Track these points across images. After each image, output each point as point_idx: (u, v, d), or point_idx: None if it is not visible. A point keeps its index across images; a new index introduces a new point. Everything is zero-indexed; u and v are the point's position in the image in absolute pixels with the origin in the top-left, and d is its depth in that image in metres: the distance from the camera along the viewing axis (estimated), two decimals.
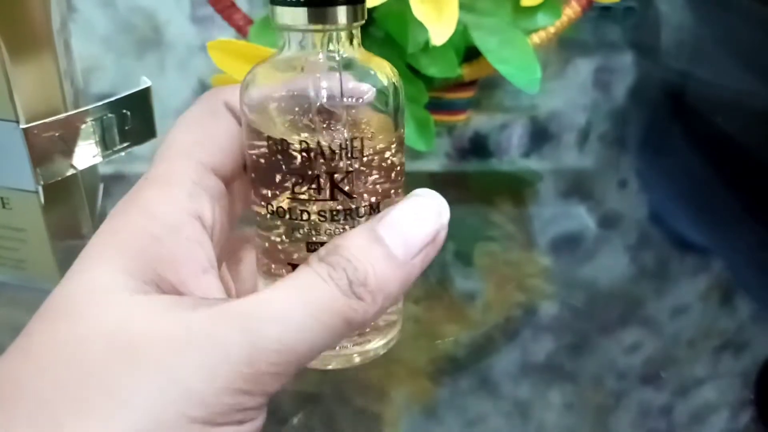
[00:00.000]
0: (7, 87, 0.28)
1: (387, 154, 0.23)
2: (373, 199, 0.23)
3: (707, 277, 0.38)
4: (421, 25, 0.29)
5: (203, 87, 0.49)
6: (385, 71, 0.23)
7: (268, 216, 0.23)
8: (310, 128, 0.22)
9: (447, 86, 0.36)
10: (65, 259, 0.34)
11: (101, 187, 0.41)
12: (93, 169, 0.38)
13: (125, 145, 0.31)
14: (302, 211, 0.22)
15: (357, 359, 0.26)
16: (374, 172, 0.23)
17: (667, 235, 0.41)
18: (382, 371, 0.31)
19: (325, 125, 0.22)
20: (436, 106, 0.34)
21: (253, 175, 0.23)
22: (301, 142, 0.22)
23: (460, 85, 0.36)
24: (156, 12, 0.53)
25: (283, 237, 0.23)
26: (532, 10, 0.33)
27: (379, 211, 0.23)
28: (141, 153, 0.46)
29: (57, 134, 0.28)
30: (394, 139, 0.23)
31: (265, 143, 0.22)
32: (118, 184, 0.41)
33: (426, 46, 0.32)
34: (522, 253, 0.40)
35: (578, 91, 0.53)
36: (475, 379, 0.31)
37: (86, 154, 0.30)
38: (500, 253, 0.40)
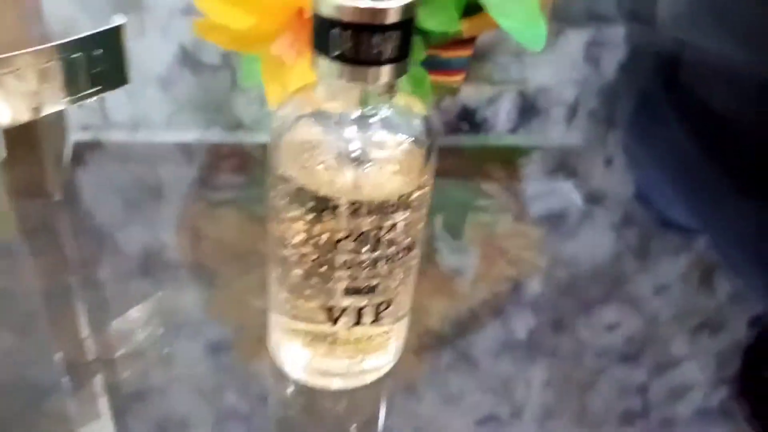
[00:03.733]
0: None
1: (419, 193, 0.23)
2: (408, 240, 0.24)
3: (689, 256, 0.38)
4: None
5: (185, 52, 0.47)
6: (419, 112, 0.23)
7: (306, 264, 0.24)
8: (352, 184, 0.23)
9: (444, 43, 0.35)
10: (28, 219, 0.32)
11: (71, 143, 0.39)
12: (60, 119, 0.36)
13: (95, 89, 0.28)
14: (345, 261, 0.23)
15: (368, 377, 0.27)
16: (411, 215, 0.23)
17: (652, 213, 0.41)
18: None
19: (365, 179, 0.23)
20: (432, 65, 0.33)
21: (289, 222, 0.23)
22: (343, 199, 0.22)
23: (457, 42, 0.35)
24: None
25: (323, 283, 0.24)
26: None
27: (412, 251, 0.24)
28: (120, 120, 0.44)
29: (18, 72, 0.26)
30: (427, 176, 0.24)
31: (312, 202, 0.22)
32: (93, 152, 0.40)
33: None
34: (508, 227, 0.39)
35: (569, 65, 0.52)
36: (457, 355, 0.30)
37: (51, 96, 0.27)
38: (486, 227, 0.39)
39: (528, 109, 0.49)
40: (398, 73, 0.21)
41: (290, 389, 0.28)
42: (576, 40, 0.53)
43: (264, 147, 0.42)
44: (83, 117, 0.41)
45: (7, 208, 0.30)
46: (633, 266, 0.37)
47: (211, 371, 0.28)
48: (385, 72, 0.21)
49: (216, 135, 0.43)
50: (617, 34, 0.55)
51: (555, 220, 0.39)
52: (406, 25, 0.20)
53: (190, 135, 0.43)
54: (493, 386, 0.29)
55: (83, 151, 0.39)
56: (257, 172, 0.41)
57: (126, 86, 0.30)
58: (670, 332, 0.33)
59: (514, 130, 0.47)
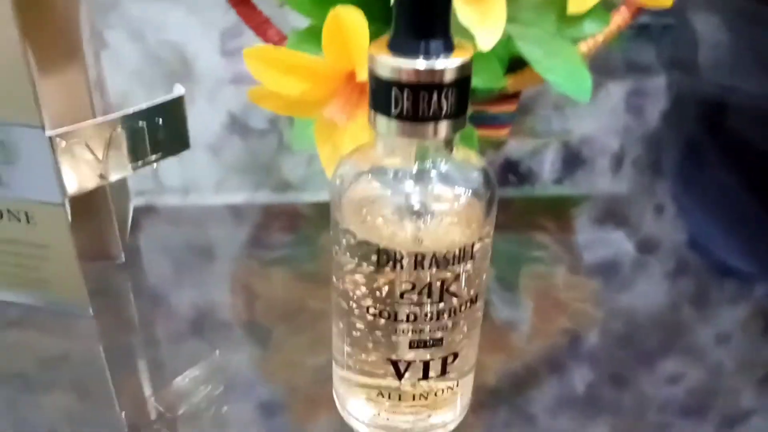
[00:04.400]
0: (33, 91, 0.26)
1: (481, 245, 0.24)
2: (471, 292, 0.24)
3: (749, 303, 0.37)
4: (466, 32, 0.28)
5: (233, 119, 0.49)
6: (477, 165, 0.24)
7: (369, 317, 0.24)
8: (413, 237, 0.23)
9: (490, 99, 0.35)
10: (94, 283, 0.33)
11: (131, 208, 0.40)
12: (123, 185, 0.38)
13: (157, 155, 0.30)
14: (409, 314, 0.23)
15: None
16: (474, 267, 0.24)
17: (707, 260, 0.40)
18: None
19: (425, 232, 0.23)
20: (478, 120, 0.34)
21: (353, 276, 0.24)
22: (405, 251, 0.22)
23: (502, 98, 0.35)
24: (185, 45, 0.54)
25: (387, 336, 0.24)
26: (578, 18, 0.32)
27: (476, 303, 0.24)
28: (172, 184, 0.46)
29: (85, 142, 0.27)
30: (488, 228, 0.24)
31: (374, 255, 0.23)
32: (148, 216, 0.41)
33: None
34: (562, 279, 0.38)
35: (610, 116, 0.52)
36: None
37: (116, 165, 0.29)
38: (539, 279, 0.39)
39: (572, 160, 0.49)
40: (456, 128, 0.21)
41: None
42: (616, 91, 0.53)
43: (311, 206, 0.44)
44: (138, 183, 0.42)
45: (77, 272, 0.30)
46: (691, 315, 0.35)
47: None
48: (443, 128, 0.21)
49: (264, 196, 0.44)
50: (658, 83, 0.55)
51: (608, 271, 0.39)
52: (463, 83, 0.21)
53: (239, 197, 0.44)
54: None
55: (139, 216, 0.40)
56: (306, 231, 0.42)
57: (173, 157, 0.31)
58: (735, 384, 0.31)
59: (559, 181, 0.47)
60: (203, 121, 0.49)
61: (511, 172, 0.47)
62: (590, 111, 0.51)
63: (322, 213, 0.45)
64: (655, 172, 0.49)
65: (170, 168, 0.45)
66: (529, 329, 0.35)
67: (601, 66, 0.53)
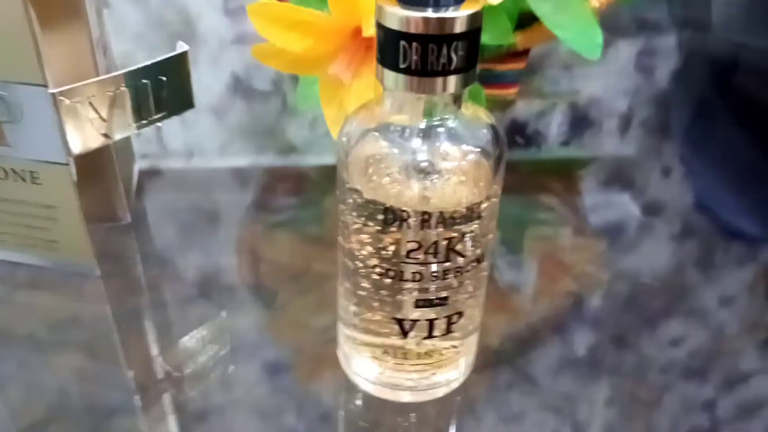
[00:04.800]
0: (35, 49, 0.26)
1: (488, 204, 0.23)
2: (477, 252, 0.24)
3: (755, 266, 0.37)
4: None
5: (237, 81, 0.48)
6: (486, 121, 0.23)
7: (375, 276, 0.24)
8: (420, 195, 0.23)
9: (498, 57, 0.35)
10: (100, 244, 0.33)
11: (136, 169, 0.40)
12: (128, 147, 0.37)
13: (161, 114, 0.29)
14: (414, 273, 0.23)
15: (438, 391, 0.27)
16: (480, 226, 0.23)
17: (713, 223, 0.40)
18: None
19: (432, 191, 0.23)
20: (486, 79, 0.33)
21: (359, 235, 0.24)
22: (412, 210, 0.22)
23: (511, 55, 0.35)
24: (187, 5, 0.53)
25: (392, 295, 0.24)
26: None
27: (482, 262, 0.24)
28: (176, 148, 0.46)
29: (88, 100, 0.27)
30: (496, 186, 0.23)
31: (381, 215, 0.22)
32: (152, 179, 0.41)
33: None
34: (567, 241, 0.38)
35: (620, 76, 0.51)
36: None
37: (120, 123, 0.28)
38: (545, 241, 0.39)
39: (580, 121, 0.48)
40: (465, 83, 0.21)
41: (348, 412, 0.28)
42: (626, 49, 0.53)
43: (316, 169, 0.43)
44: (141, 146, 0.42)
45: (83, 232, 0.30)
46: (696, 278, 0.35)
47: (270, 392, 0.28)
48: (452, 82, 0.21)
49: (268, 159, 0.44)
50: (669, 42, 0.54)
51: (614, 233, 0.39)
52: (474, 35, 0.20)
53: (243, 160, 0.43)
54: (555, 405, 0.28)
55: (143, 179, 0.40)
56: (311, 194, 0.42)
57: (180, 115, 0.30)
58: (737, 346, 0.31)
59: (566, 143, 0.47)
60: (206, 83, 0.49)
61: (517, 133, 0.47)
62: (599, 71, 0.51)
63: (327, 176, 0.45)
64: (664, 133, 0.49)
65: (174, 131, 0.45)
66: (533, 291, 0.35)
67: (611, 24, 0.52)
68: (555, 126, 0.47)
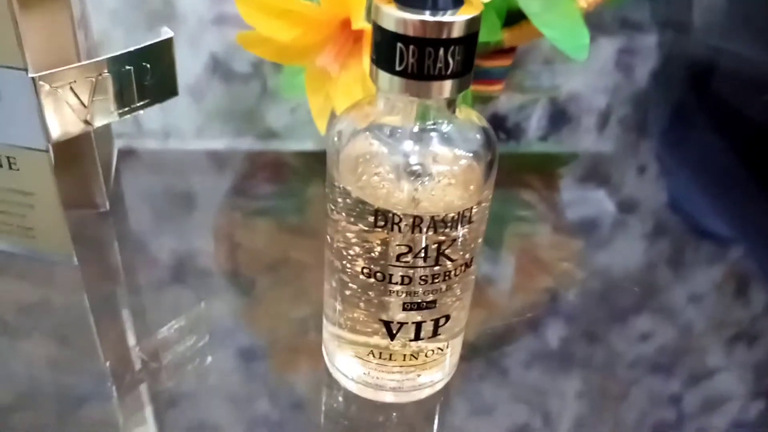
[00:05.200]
0: (15, 32, 0.25)
1: (479, 208, 0.23)
2: (467, 256, 0.24)
3: (724, 265, 0.38)
4: None
5: (216, 62, 0.47)
6: (479, 125, 0.23)
7: (362, 277, 0.24)
8: (410, 198, 0.22)
9: (485, 54, 0.35)
10: (77, 230, 0.32)
11: (115, 154, 0.39)
12: (107, 131, 0.36)
13: (144, 102, 0.28)
14: (403, 277, 0.23)
15: (422, 392, 0.27)
16: (471, 231, 0.23)
17: (685, 222, 0.41)
18: None
19: (423, 194, 0.22)
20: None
21: (348, 235, 0.23)
22: (405, 215, 0.22)
23: (498, 52, 0.35)
24: None
25: (379, 297, 0.24)
26: None
27: (470, 266, 0.24)
28: (153, 128, 0.45)
29: (69, 85, 0.26)
30: (486, 192, 0.23)
31: (370, 216, 0.22)
32: (128, 160, 0.40)
33: None
34: (545, 238, 0.39)
35: (600, 73, 0.52)
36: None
37: (101, 110, 0.27)
38: (523, 237, 0.39)
39: (559, 117, 0.48)
40: (461, 88, 0.21)
41: (323, 401, 0.28)
42: (607, 47, 0.53)
43: (295, 155, 0.43)
44: (116, 126, 0.41)
45: (61, 220, 0.30)
46: (667, 276, 0.36)
47: (244, 380, 0.28)
48: (448, 87, 0.20)
49: (247, 143, 0.43)
50: (649, 41, 0.55)
51: (588, 229, 0.39)
52: (471, 40, 0.20)
53: (220, 143, 0.43)
54: (526, 397, 0.29)
55: (118, 159, 0.39)
56: (290, 181, 0.42)
57: (160, 103, 0.30)
58: (704, 343, 0.32)
59: (545, 138, 0.47)
60: (185, 64, 0.48)
61: (498, 128, 0.47)
62: (579, 67, 0.51)
63: (307, 163, 0.45)
64: (641, 132, 0.50)
65: (150, 111, 0.44)
66: (508, 286, 0.35)
67: (593, 21, 0.53)
68: (534, 120, 0.48)
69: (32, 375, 0.28)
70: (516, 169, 0.43)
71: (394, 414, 0.27)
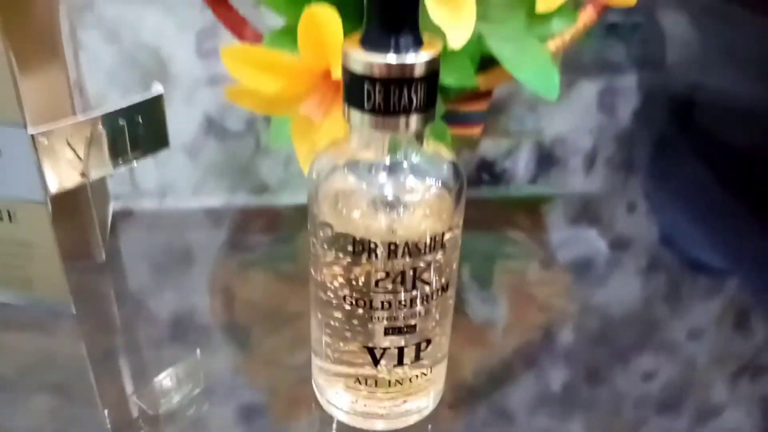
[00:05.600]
0: (15, 90, 0.27)
1: (451, 235, 0.24)
2: (442, 281, 0.25)
3: (722, 298, 0.38)
4: (437, 30, 0.29)
5: (210, 121, 0.49)
6: (447, 158, 0.25)
7: (346, 306, 0.25)
8: (387, 228, 0.24)
9: (462, 98, 0.36)
10: (76, 282, 0.33)
11: (111, 209, 0.40)
12: (103, 186, 0.38)
13: (137, 153, 0.30)
14: (383, 302, 0.24)
15: (410, 419, 0.28)
16: (444, 256, 0.24)
17: (679, 257, 0.41)
18: None
19: (398, 223, 0.24)
20: (451, 119, 0.34)
21: (330, 266, 0.24)
22: (379, 241, 0.23)
23: (474, 96, 0.36)
24: (161, 46, 0.54)
25: (363, 324, 0.25)
26: (547, 16, 0.33)
27: (447, 291, 0.25)
28: (148, 188, 0.46)
29: (66, 140, 0.27)
30: (457, 218, 0.25)
31: (350, 246, 0.23)
32: (126, 220, 0.41)
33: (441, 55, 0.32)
34: (536, 275, 0.39)
35: (583, 115, 0.53)
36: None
37: (97, 163, 0.29)
38: (514, 275, 0.39)
39: (546, 159, 0.49)
40: (426, 121, 0.22)
41: None
42: (589, 89, 0.54)
43: (289, 208, 0.44)
44: (114, 186, 0.42)
45: (60, 270, 0.31)
46: (664, 312, 0.36)
47: None
48: (414, 120, 0.22)
49: (242, 199, 0.44)
50: (629, 81, 0.56)
51: (582, 268, 0.39)
52: (432, 77, 0.22)
53: (216, 200, 0.44)
54: None
55: (116, 219, 0.40)
56: (284, 233, 0.42)
57: (153, 156, 0.31)
58: (709, 378, 0.32)
59: (533, 180, 0.48)
60: (180, 123, 0.49)
61: (486, 172, 0.48)
62: (563, 110, 0.52)
63: (301, 215, 0.45)
64: (628, 170, 0.50)
65: (147, 171, 0.45)
66: (504, 326, 0.35)
67: (574, 64, 0.54)
68: (522, 164, 0.49)
69: (36, 428, 0.28)
70: (507, 211, 0.44)
71: None
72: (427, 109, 0.22)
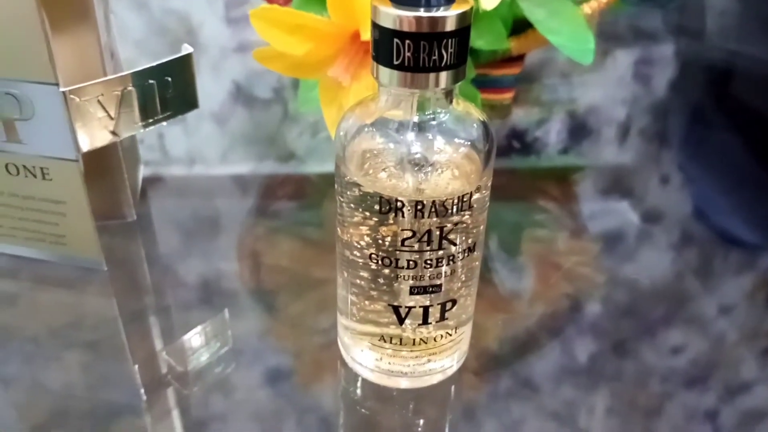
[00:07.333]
0: (47, 48, 0.27)
1: (479, 196, 0.24)
2: (469, 242, 0.25)
3: (754, 273, 0.37)
4: None
5: (238, 89, 0.49)
6: (477, 117, 0.24)
7: (372, 265, 0.25)
8: (414, 187, 0.24)
9: (493, 62, 0.35)
10: (108, 241, 0.34)
11: (141, 169, 0.40)
12: (134, 148, 0.38)
13: (167, 114, 0.30)
14: (409, 261, 0.24)
15: (434, 377, 0.28)
16: (471, 217, 0.24)
17: (712, 231, 0.40)
18: None
19: (426, 183, 0.24)
20: (482, 84, 0.34)
21: (356, 225, 0.24)
22: (406, 200, 0.23)
23: (506, 60, 0.36)
24: (189, 14, 0.54)
25: (389, 283, 0.25)
26: None
27: (473, 252, 0.25)
28: (178, 155, 0.47)
29: (97, 99, 0.27)
30: (485, 179, 0.24)
31: (377, 206, 0.23)
32: (155, 186, 0.42)
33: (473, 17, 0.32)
34: (565, 244, 0.39)
35: (617, 84, 0.52)
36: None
37: (127, 122, 0.29)
38: (543, 243, 0.39)
39: (578, 130, 0.49)
40: (456, 79, 0.22)
41: (349, 420, 0.28)
42: (624, 58, 0.53)
43: (316, 176, 0.44)
44: (144, 153, 0.43)
45: (91, 227, 0.31)
46: (695, 286, 0.36)
47: (271, 397, 0.29)
48: (443, 78, 0.21)
49: (269, 167, 0.45)
50: (666, 50, 0.55)
51: (613, 241, 0.39)
52: (463, 34, 0.21)
53: (244, 168, 0.44)
54: (556, 412, 0.29)
55: (145, 185, 0.41)
56: (310, 199, 0.42)
57: (182, 123, 0.31)
58: (738, 354, 0.31)
59: (565, 151, 0.47)
60: (208, 91, 0.50)
61: (517, 140, 0.47)
62: (597, 79, 0.51)
63: (327, 182, 0.45)
64: (662, 141, 0.49)
65: (176, 138, 0.46)
66: (531, 296, 0.35)
67: (609, 33, 0.53)
68: (554, 134, 0.48)
69: (68, 383, 0.29)
70: (538, 181, 0.44)
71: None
72: (457, 66, 0.21)
